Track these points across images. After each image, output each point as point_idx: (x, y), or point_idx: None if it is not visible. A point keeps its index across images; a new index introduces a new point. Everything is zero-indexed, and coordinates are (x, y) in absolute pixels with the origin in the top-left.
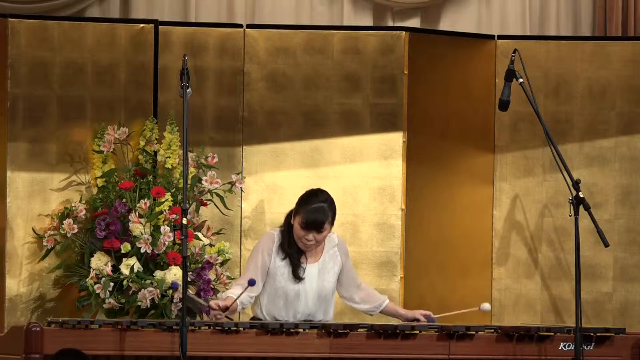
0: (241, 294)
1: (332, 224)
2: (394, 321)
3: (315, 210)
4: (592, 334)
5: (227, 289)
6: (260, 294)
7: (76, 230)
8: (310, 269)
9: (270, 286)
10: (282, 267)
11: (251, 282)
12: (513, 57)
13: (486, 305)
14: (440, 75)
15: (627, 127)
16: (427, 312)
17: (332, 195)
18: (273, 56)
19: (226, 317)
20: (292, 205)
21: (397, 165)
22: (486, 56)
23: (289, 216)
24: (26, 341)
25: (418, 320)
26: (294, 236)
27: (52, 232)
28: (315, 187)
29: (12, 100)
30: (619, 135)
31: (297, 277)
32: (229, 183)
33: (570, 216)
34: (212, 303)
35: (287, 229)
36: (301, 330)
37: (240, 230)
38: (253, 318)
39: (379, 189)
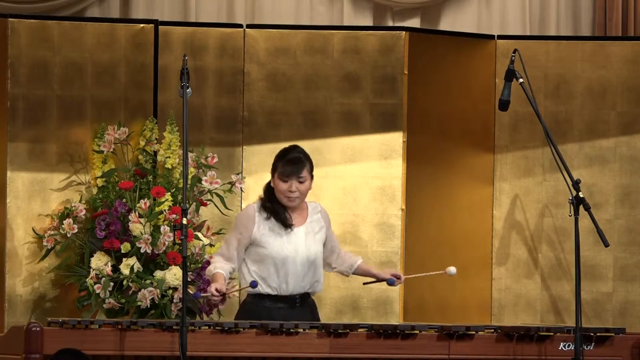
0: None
1: (311, 175)
2: (393, 321)
3: (291, 159)
4: (592, 334)
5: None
6: (248, 263)
7: (76, 230)
8: (297, 232)
9: (256, 253)
10: (269, 237)
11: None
12: (513, 57)
13: (452, 269)
14: (440, 75)
15: (627, 127)
16: (397, 273)
17: (332, 195)
18: (273, 56)
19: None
20: None
21: (397, 165)
22: (486, 56)
23: (267, 185)
24: (26, 341)
25: (387, 280)
26: (277, 196)
27: (52, 232)
28: (315, 187)
29: (12, 100)
30: (619, 135)
31: (286, 225)
32: (229, 183)
33: (570, 216)
34: (213, 290)
35: (267, 194)
36: (301, 330)
37: None
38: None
39: (379, 189)
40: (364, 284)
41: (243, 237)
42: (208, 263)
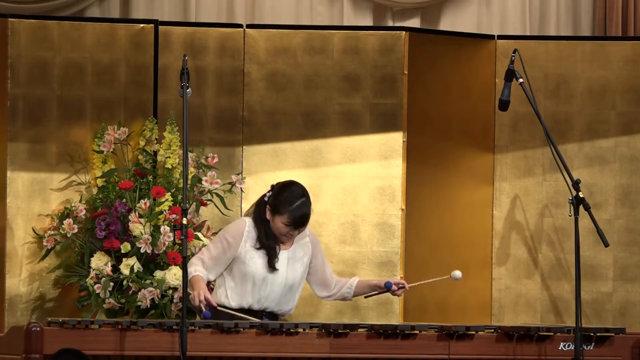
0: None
1: None
2: (393, 321)
3: (300, 207)
4: (592, 334)
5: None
6: (226, 278)
7: (76, 230)
8: (280, 256)
9: (238, 270)
10: (253, 255)
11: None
12: (513, 57)
13: (457, 273)
14: (440, 75)
15: (627, 127)
16: (401, 282)
17: (332, 195)
18: (273, 56)
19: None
20: None
21: (397, 165)
22: (486, 56)
23: (259, 205)
24: (26, 341)
25: (385, 285)
26: (272, 229)
27: (52, 232)
28: (315, 187)
29: (12, 100)
30: (619, 135)
31: (272, 267)
32: (229, 183)
33: (570, 216)
34: (202, 298)
35: (260, 220)
36: (301, 330)
37: None
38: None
39: (379, 189)
40: (366, 297)
41: (227, 252)
42: None
